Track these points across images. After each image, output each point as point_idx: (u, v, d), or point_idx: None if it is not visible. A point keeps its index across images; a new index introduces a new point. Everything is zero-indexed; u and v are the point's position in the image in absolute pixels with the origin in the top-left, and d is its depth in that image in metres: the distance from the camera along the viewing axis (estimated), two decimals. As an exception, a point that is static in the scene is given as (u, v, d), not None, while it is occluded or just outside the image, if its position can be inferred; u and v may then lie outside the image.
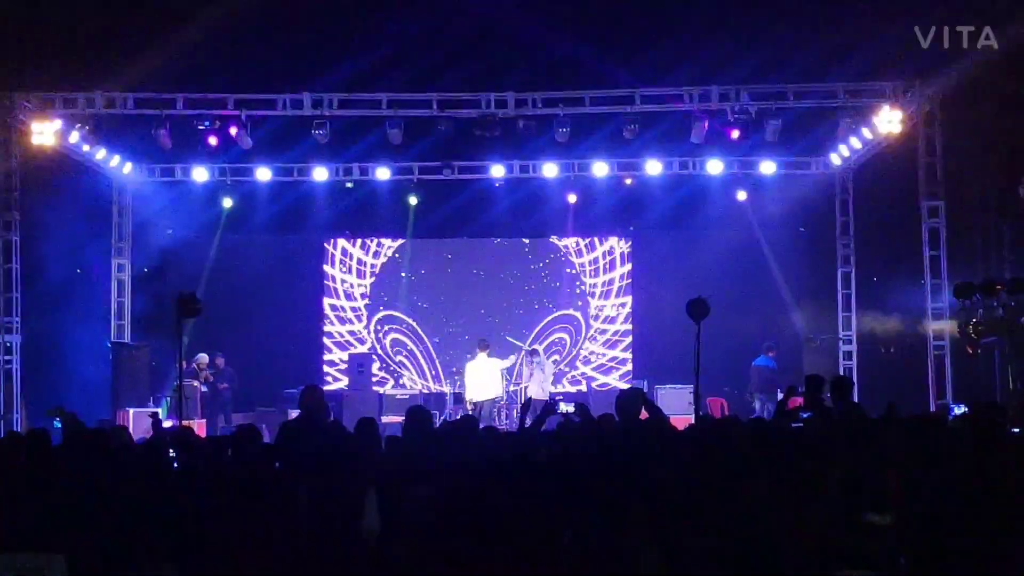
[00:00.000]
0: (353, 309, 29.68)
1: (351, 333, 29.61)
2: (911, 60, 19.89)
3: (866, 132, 21.76)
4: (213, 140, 22.94)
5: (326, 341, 29.56)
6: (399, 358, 29.52)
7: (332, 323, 29.60)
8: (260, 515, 9.40)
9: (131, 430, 16.55)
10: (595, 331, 29.60)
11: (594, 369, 29.42)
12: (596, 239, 29.57)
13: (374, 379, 27.60)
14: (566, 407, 13.09)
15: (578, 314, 29.57)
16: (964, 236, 22.60)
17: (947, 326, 22.81)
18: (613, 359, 29.54)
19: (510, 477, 8.60)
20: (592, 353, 29.62)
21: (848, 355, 26.35)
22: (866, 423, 11.00)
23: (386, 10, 21.08)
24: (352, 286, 29.62)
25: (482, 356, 24.72)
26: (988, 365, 20.89)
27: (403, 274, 29.48)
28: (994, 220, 21.46)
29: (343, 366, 28.47)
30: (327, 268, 29.63)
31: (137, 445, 12.08)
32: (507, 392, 26.75)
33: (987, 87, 18.55)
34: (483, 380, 24.67)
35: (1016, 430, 13.52)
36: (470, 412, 23.34)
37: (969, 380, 21.86)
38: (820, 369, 22.95)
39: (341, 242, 29.58)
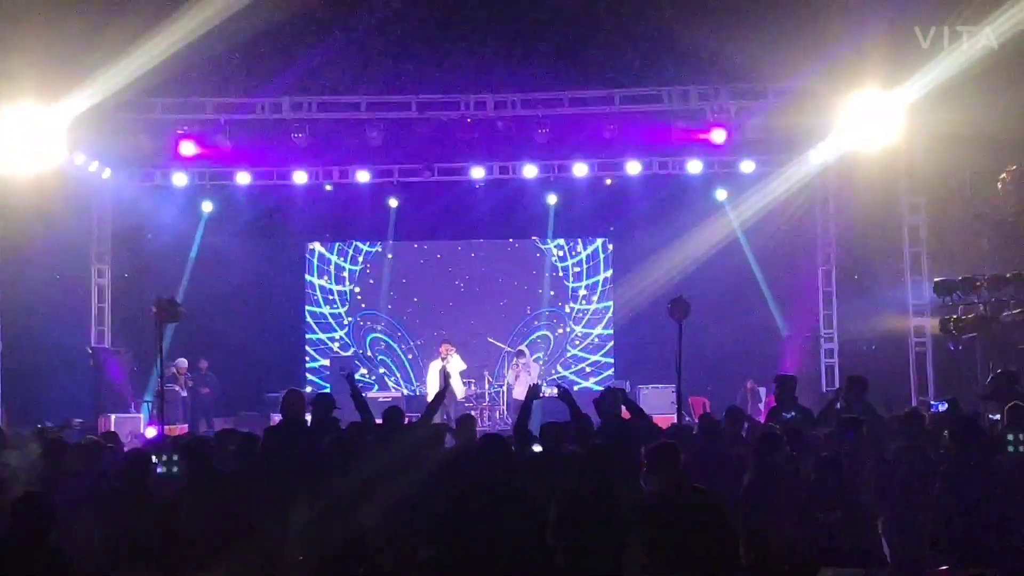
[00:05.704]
0: (334, 316, 29.70)
1: (331, 340, 29.65)
2: (891, 59, 19.93)
3: (847, 130, 21.77)
4: (189, 148, 22.90)
5: (308, 353, 29.67)
6: (381, 368, 29.54)
7: (314, 331, 29.63)
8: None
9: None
10: (576, 336, 29.66)
11: (575, 374, 29.42)
12: (581, 240, 29.69)
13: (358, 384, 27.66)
14: (550, 390, 13.12)
15: (553, 328, 29.68)
16: (944, 233, 22.65)
17: (928, 322, 22.89)
18: (595, 363, 29.57)
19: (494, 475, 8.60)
20: (573, 357, 29.68)
21: (830, 352, 26.40)
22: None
23: (364, 13, 21.02)
24: (333, 292, 29.65)
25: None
26: (969, 361, 20.93)
27: (384, 277, 29.53)
28: (974, 217, 21.50)
29: (326, 361, 28.63)
30: (308, 277, 29.70)
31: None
32: (490, 393, 26.80)
33: (966, 84, 18.57)
34: (431, 380, 24.95)
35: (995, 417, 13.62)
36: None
37: (950, 376, 21.91)
38: (801, 367, 23.15)
39: (319, 247, 29.68)
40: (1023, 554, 8.74)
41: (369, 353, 29.56)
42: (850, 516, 9.76)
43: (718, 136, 22.45)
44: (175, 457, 11.00)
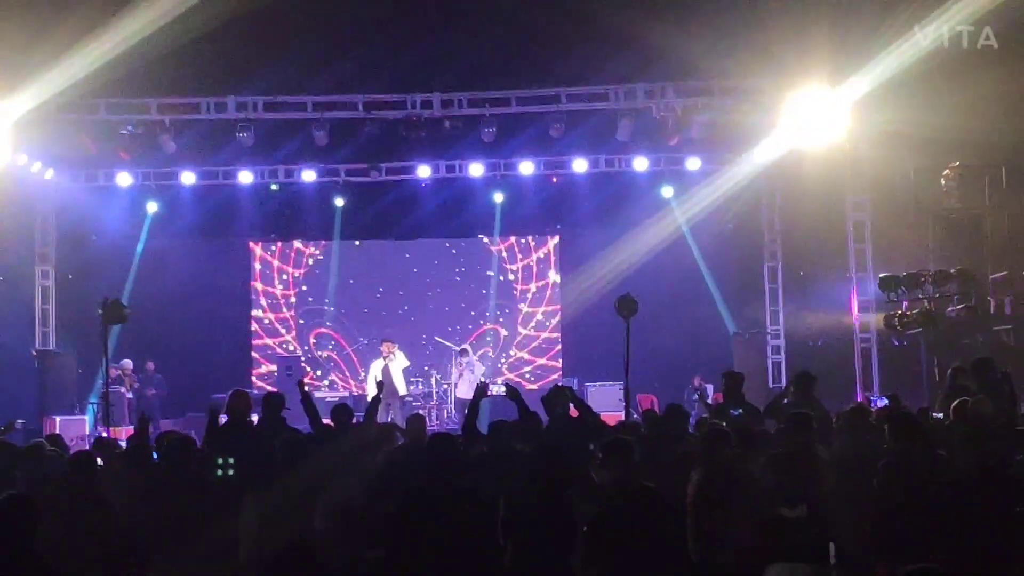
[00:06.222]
0: (279, 319, 29.59)
1: (278, 345, 29.52)
2: (836, 57, 20.02)
3: (792, 127, 21.83)
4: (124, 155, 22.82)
5: (255, 355, 29.52)
6: (319, 370, 29.43)
7: (260, 336, 29.51)
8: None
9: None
10: (524, 337, 29.65)
11: (522, 376, 29.32)
12: (528, 238, 29.70)
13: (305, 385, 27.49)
14: (498, 388, 13.10)
15: (501, 326, 29.72)
16: (889, 229, 22.78)
17: (873, 319, 23.03)
18: (543, 367, 29.58)
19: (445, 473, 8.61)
20: (520, 360, 29.66)
21: (776, 349, 26.54)
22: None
23: (309, 13, 20.93)
24: (278, 296, 29.54)
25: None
26: (914, 356, 21.09)
27: (331, 276, 29.44)
28: (918, 213, 21.65)
29: (273, 367, 28.41)
30: (255, 284, 29.59)
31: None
32: (438, 392, 26.73)
33: (910, 83, 18.68)
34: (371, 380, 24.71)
35: (939, 415, 13.66)
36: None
37: (895, 372, 22.06)
38: (748, 364, 23.23)
39: (259, 250, 29.62)
40: (965, 549, 8.78)
41: (315, 353, 29.45)
42: (813, 512, 9.79)
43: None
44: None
